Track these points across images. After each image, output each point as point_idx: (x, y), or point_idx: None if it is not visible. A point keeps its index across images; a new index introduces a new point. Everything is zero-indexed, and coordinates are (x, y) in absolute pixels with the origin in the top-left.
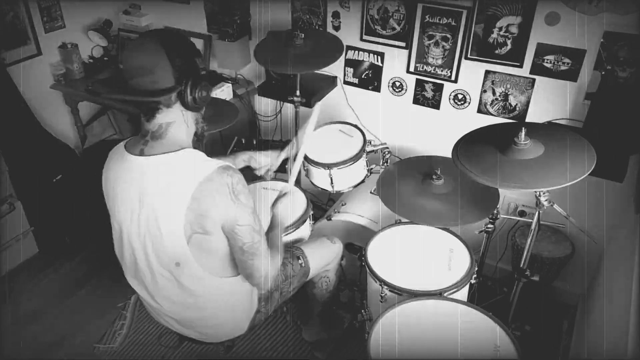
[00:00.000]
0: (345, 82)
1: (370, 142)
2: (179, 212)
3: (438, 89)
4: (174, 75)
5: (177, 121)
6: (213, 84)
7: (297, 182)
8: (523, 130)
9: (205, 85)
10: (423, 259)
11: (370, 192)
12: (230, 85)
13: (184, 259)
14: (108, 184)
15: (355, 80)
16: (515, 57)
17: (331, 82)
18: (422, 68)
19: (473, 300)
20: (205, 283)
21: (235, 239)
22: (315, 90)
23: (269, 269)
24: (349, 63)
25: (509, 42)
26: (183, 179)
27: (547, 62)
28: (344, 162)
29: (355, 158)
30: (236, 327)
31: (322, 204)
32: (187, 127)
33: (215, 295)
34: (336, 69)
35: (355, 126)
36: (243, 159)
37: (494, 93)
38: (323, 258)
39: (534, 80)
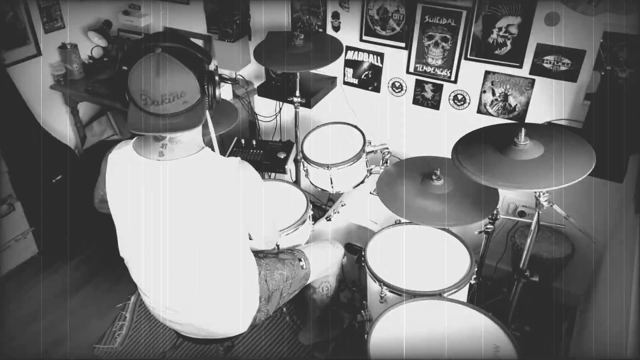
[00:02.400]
0: (345, 83)
1: (370, 143)
2: (209, 209)
3: (438, 89)
4: (199, 88)
5: None
6: None
7: (297, 183)
8: (523, 130)
9: (218, 80)
10: (423, 259)
11: (370, 193)
12: (230, 85)
13: (208, 254)
14: (120, 191)
15: (355, 81)
16: (515, 57)
17: (331, 82)
18: (422, 68)
19: (473, 300)
20: (218, 280)
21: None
22: (315, 90)
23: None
24: (348, 63)
25: (508, 42)
26: (210, 178)
27: (546, 63)
28: (343, 163)
29: (355, 158)
30: (238, 325)
31: (321, 204)
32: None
33: (224, 293)
34: (336, 69)
35: (355, 126)
36: None
37: (493, 93)
38: (324, 262)
39: (533, 80)
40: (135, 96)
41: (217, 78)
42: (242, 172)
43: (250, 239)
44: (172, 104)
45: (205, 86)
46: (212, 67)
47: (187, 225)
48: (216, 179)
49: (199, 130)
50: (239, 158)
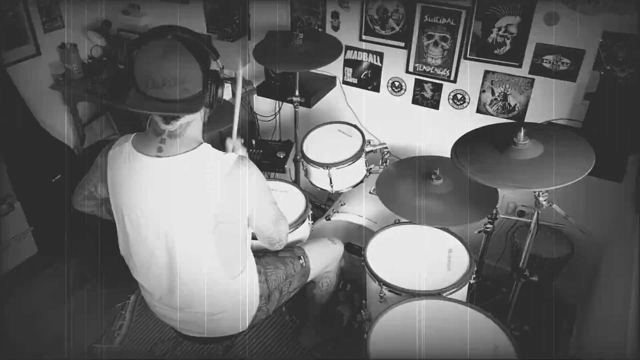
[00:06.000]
0: (345, 82)
1: (370, 142)
2: (207, 206)
3: (437, 89)
4: (202, 80)
5: (196, 119)
6: None
7: (296, 182)
8: (522, 130)
9: (222, 81)
10: (422, 259)
11: (370, 192)
12: (229, 85)
13: (207, 251)
14: (118, 187)
15: (355, 80)
16: (515, 57)
17: (330, 82)
18: (421, 68)
19: (472, 300)
20: (218, 278)
21: (260, 222)
22: (314, 90)
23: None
24: (348, 63)
25: (508, 42)
26: (208, 174)
27: (546, 62)
28: (343, 162)
29: (354, 158)
30: (238, 323)
31: (321, 203)
32: (202, 122)
33: (225, 292)
34: (335, 69)
35: (355, 126)
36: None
37: (493, 93)
38: (324, 258)
39: (533, 80)
40: (138, 77)
41: (220, 75)
42: (240, 169)
43: (254, 238)
44: (172, 89)
45: (209, 82)
46: (217, 66)
47: (186, 223)
48: (214, 175)
49: (198, 126)
50: (239, 154)
